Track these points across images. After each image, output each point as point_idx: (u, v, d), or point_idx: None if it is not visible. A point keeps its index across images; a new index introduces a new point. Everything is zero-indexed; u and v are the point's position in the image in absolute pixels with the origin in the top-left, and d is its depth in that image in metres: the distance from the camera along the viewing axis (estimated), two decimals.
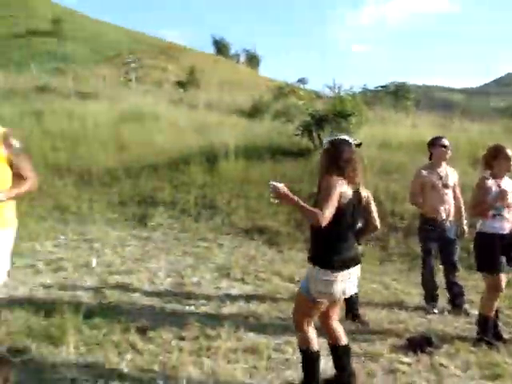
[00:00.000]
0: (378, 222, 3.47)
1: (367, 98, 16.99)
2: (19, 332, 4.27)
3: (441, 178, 5.34)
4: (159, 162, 11.27)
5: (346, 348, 3.63)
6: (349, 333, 4.57)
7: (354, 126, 11.05)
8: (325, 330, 3.68)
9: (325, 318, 3.61)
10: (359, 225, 4.16)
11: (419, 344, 4.27)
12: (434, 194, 5.29)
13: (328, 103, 12.16)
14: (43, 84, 26.74)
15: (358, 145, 4.78)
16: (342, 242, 3.40)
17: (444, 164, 5.45)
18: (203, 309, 5.21)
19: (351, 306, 4.96)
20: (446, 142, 5.40)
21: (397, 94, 21.13)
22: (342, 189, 3.30)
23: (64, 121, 15.60)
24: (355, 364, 3.97)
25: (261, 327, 4.69)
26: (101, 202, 9.65)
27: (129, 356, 4.00)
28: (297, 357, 4.07)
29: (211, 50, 68.28)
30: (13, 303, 5.03)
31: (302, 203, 3.19)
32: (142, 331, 4.45)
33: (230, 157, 10.61)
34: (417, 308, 5.43)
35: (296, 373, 3.81)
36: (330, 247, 3.37)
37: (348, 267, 3.37)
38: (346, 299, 4.89)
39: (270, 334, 4.53)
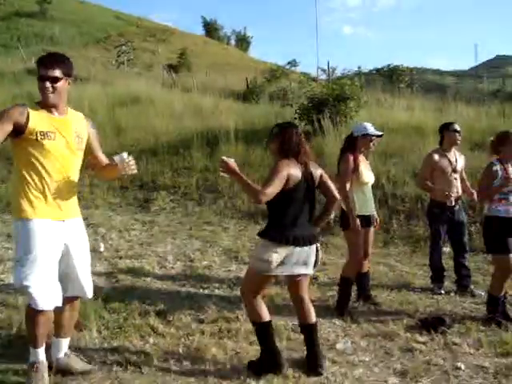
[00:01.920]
0: (336, 193, 3.64)
1: (362, 80, 16.99)
2: None
3: (451, 163, 5.43)
4: (158, 147, 11.28)
5: (315, 326, 3.77)
6: (361, 313, 4.73)
7: (353, 109, 11.13)
8: (295, 308, 3.85)
9: (294, 295, 3.81)
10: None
11: (432, 324, 4.38)
12: (444, 179, 5.39)
13: (325, 86, 12.20)
14: (33, 66, 26.45)
15: (380, 135, 4.93)
16: (291, 219, 3.57)
17: (453, 149, 5.55)
18: (217, 292, 5.31)
19: (363, 287, 5.07)
20: (457, 127, 5.49)
21: (391, 77, 21.20)
22: (291, 171, 3.50)
23: None
24: (372, 344, 4.11)
25: (276, 309, 4.75)
26: (102, 186, 9.67)
27: (151, 339, 4.08)
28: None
29: (201, 32, 67.78)
30: None
31: (247, 181, 3.44)
32: (161, 315, 4.53)
33: (230, 140, 10.64)
34: (424, 289, 5.54)
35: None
36: (277, 223, 3.58)
37: (294, 244, 3.53)
38: (357, 281, 5.04)
39: (286, 315, 4.61)
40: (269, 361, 3.56)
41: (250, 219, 8.17)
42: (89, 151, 3.46)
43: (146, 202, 9.30)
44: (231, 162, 3.42)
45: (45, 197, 3.17)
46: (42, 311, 3.14)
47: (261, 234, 3.62)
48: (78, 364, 3.51)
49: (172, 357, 3.78)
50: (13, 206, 3.25)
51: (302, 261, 3.58)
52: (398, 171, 8.92)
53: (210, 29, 68.35)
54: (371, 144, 4.87)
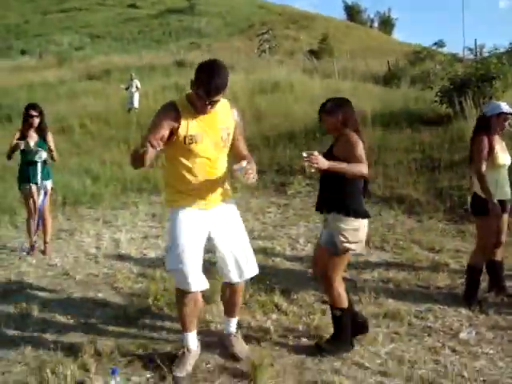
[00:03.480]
0: None
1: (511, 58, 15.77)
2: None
3: None
4: (296, 131, 11.47)
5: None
6: (492, 304, 4.51)
7: (499, 89, 10.43)
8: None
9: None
10: None
11: None
12: None
13: (470, 67, 11.57)
14: (181, 59, 28.06)
15: None
16: (361, 194, 3.62)
17: None
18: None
19: (496, 277, 4.81)
20: None
21: None
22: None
23: None
24: (499, 337, 3.92)
25: (401, 294, 4.74)
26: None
27: (274, 316, 4.27)
28: (440, 324, 4.12)
29: (343, 16, 67.00)
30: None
31: (343, 164, 3.36)
32: (286, 293, 4.70)
33: (368, 124, 10.52)
34: None
35: (437, 341, 3.85)
36: (356, 197, 3.56)
37: (367, 217, 3.63)
38: (489, 270, 4.80)
39: (410, 301, 4.56)
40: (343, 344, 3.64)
41: (385, 204, 8.03)
42: (234, 139, 3.44)
43: (282, 186, 9.51)
44: (316, 154, 3.26)
45: (191, 191, 3.30)
46: (186, 293, 3.31)
47: (348, 213, 3.50)
48: (236, 347, 3.62)
49: (291, 333, 3.93)
50: (165, 197, 3.53)
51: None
52: None
53: (352, 12, 67.24)
54: (506, 123, 4.56)
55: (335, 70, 22.18)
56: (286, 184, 9.38)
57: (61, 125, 14.73)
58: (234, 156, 3.46)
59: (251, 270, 3.52)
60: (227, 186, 3.52)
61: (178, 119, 3.15)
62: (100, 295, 4.80)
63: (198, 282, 3.30)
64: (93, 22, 52.21)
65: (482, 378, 3.35)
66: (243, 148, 3.50)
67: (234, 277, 3.49)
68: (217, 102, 3.14)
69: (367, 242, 6.34)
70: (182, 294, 3.35)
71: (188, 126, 3.16)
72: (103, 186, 9.11)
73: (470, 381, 3.32)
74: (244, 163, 3.15)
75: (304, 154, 3.26)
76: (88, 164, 10.59)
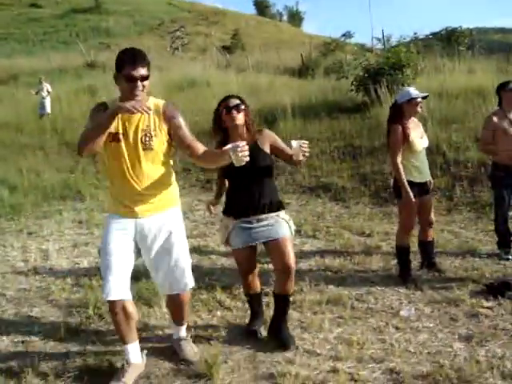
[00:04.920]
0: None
1: (418, 46, 16.51)
2: None
3: None
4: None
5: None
6: (426, 281, 4.72)
7: (410, 77, 10.90)
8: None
9: None
10: None
11: (499, 289, 4.32)
12: (507, 140, 5.21)
13: (381, 56, 12.01)
14: (91, 60, 27.28)
15: (425, 97, 4.81)
16: None
17: None
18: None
19: (427, 255, 5.04)
20: None
21: (449, 40, 20.47)
22: None
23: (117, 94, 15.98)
24: (436, 310, 4.12)
25: (340, 280, 4.86)
26: None
27: (219, 313, 4.26)
28: (381, 304, 4.26)
29: (253, 11, 67.53)
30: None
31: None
32: (227, 289, 4.70)
33: (288, 116, 10.68)
34: (490, 255, 5.42)
35: (381, 320, 3.98)
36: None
37: None
38: (421, 249, 5.03)
39: (350, 285, 4.69)
40: None
41: (311, 193, 8.20)
42: (177, 141, 3.25)
43: (208, 183, 9.49)
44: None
45: (116, 196, 3.22)
46: (111, 302, 3.13)
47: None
48: (186, 352, 3.52)
49: (238, 329, 3.94)
50: None
51: None
52: (459, 137, 8.72)
53: (262, 7, 67.94)
54: (418, 108, 4.74)
55: (249, 64, 22.33)
56: (212, 181, 9.35)
57: None
58: (197, 157, 3.29)
59: (183, 284, 3.37)
60: (169, 195, 3.33)
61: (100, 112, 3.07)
62: (36, 310, 4.52)
63: (116, 292, 3.09)
64: None
65: (426, 351, 3.50)
66: (200, 146, 3.28)
67: (164, 290, 3.46)
68: (146, 79, 3.01)
69: (299, 232, 6.49)
70: (108, 303, 3.17)
71: (113, 124, 3.03)
72: (22, 196, 8.70)
73: (416, 354, 3.45)
74: (239, 143, 2.98)
75: (294, 144, 3.37)
76: (3, 173, 10.06)
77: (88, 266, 5.66)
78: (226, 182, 3.86)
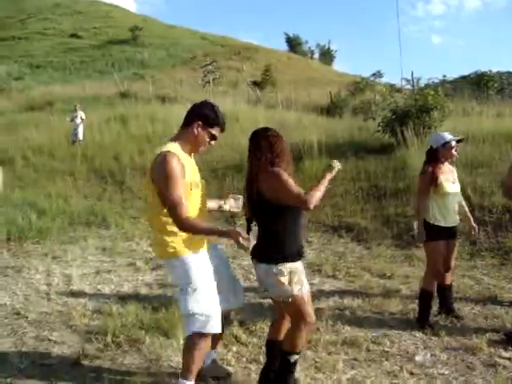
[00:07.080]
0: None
1: (447, 89, 16.57)
2: (133, 324, 4.65)
3: None
4: (243, 163, 11.54)
5: None
6: (443, 327, 4.68)
7: (437, 120, 10.94)
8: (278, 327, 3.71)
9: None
10: None
11: None
12: None
13: (409, 98, 12.07)
14: (125, 90, 27.95)
15: (460, 141, 4.86)
16: None
17: None
18: None
19: (445, 300, 5.01)
20: None
21: (479, 84, 20.49)
22: None
23: (148, 124, 16.33)
24: (453, 357, 4.08)
25: (357, 321, 4.85)
26: None
27: (234, 348, 4.28)
28: (396, 348, 4.24)
29: (285, 47, 68.52)
30: (122, 299, 5.47)
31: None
32: (244, 325, 4.72)
33: (314, 154, 10.77)
34: None
35: (395, 365, 3.95)
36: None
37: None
38: (439, 294, 5.00)
39: (366, 327, 4.68)
40: None
41: (334, 233, 8.22)
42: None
43: (231, 217, 9.55)
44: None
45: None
46: (207, 336, 3.28)
47: None
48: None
49: (253, 365, 3.96)
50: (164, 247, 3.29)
51: None
52: (485, 181, 8.67)
53: (294, 44, 68.89)
54: (453, 151, 4.79)
55: (278, 101, 22.61)
56: (235, 216, 9.43)
57: (0, 157, 14.33)
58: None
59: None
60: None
61: (182, 167, 3.16)
62: (55, 334, 4.63)
63: (220, 324, 3.29)
64: (32, 51, 51.25)
65: None
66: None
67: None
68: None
69: (319, 271, 6.49)
70: (203, 338, 3.26)
71: (188, 173, 3.21)
72: (50, 220, 8.91)
73: None
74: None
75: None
76: (33, 197, 10.33)
77: (109, 292, 5.77)
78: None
